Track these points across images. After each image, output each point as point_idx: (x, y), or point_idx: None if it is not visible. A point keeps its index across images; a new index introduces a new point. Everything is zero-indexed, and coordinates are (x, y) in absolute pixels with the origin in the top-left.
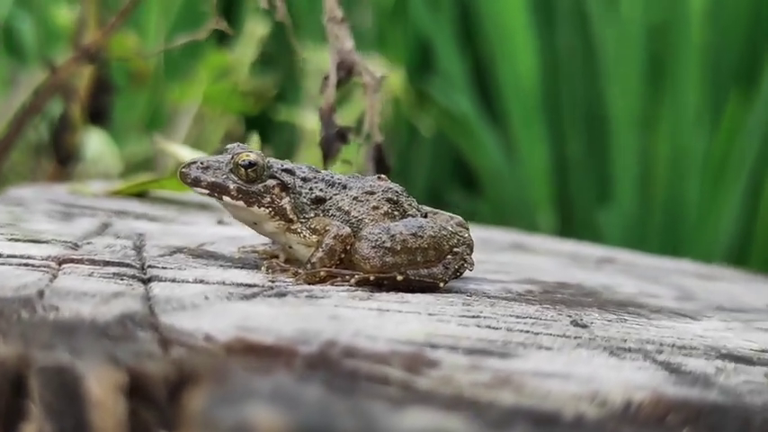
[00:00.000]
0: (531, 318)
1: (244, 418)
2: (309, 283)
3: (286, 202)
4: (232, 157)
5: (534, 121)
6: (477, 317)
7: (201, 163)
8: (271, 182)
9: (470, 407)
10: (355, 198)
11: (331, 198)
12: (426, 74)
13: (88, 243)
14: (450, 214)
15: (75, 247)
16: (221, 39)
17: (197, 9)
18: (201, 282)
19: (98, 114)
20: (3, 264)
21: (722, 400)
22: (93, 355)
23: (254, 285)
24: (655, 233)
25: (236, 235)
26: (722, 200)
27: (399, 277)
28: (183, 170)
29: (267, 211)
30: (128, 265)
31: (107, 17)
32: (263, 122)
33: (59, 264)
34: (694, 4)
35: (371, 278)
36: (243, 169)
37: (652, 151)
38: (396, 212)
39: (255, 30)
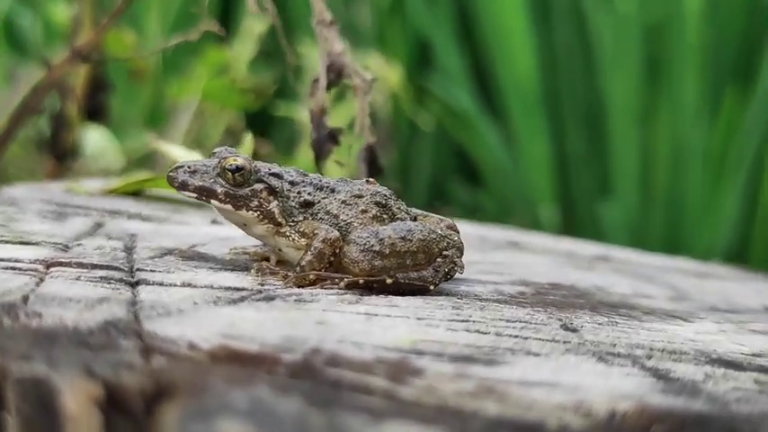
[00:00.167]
0: (520, 322)
1: None
2: (299, 286)
3: (274, 205)
4: (219, 162)
5: (534, 116)
6: (467, 321)
7: (189, 167)
8: (258, 186)
9: (453, 417)
10: (344, 202)
11: (319, 202)
12: (426, 70)
13: (78, 244)
14: (440, 217)
15: (66, 248)
16: (221, 35)
17: (197, 7)
18: (189, 285)
19: (95, 112)
20: None
21: (708, 410)
22: (70, 366)
23: (243, 289)
24: (656, 227)
25: (228, 235)
26: (722, 194)
27: (389, 280)
28: (171, 174)
29: (255, 214)
30: (116, 269)
31: (103, 17)
32: (264, 118)
33: (47, 267)
34: (690, 2)
35: (361, 281)
36: (230, 173)
37: (652, 146)
38: (385, 216)
39: (254, 27)
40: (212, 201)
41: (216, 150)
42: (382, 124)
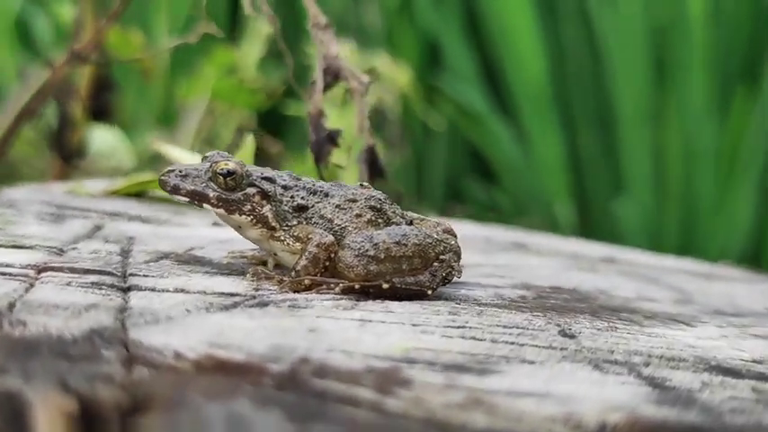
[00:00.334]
0: (517, 328)
1: None
2: (295, 291)
3: (267, 210)
4: (210, 166)
5: (545, 115)
6: (463, 327)
7: (180, 171)
8: (251, 190)
9: (441, 431)
10: (338, 206)
11: (313, 206)
12: (436, 70)
13: (74, 248)
14: (437, 220)
15: (60, 252)
16: (231, 35)
17: (209, 6)
18: (182, 291)
19: (101, 112)
20: None
21: (701, 421)
22: (45, 379)
23: (237, 294)
24: (671, 224)
25: (228, 238)
26: (735, 191)
27: (385, 285)
28: (162, 178)
29: (249, 218)
30: (108, 273)
31: (103, 18)
32: (276, 117)
33: (38, 272)
34: (694, 5)
35: (357, 287)
36: (221, 178)
37: (663, 146)
38: (379, 220)
39: (262, 27)
40: (205, 205)
41: (208, 154)
42: (393, 124)
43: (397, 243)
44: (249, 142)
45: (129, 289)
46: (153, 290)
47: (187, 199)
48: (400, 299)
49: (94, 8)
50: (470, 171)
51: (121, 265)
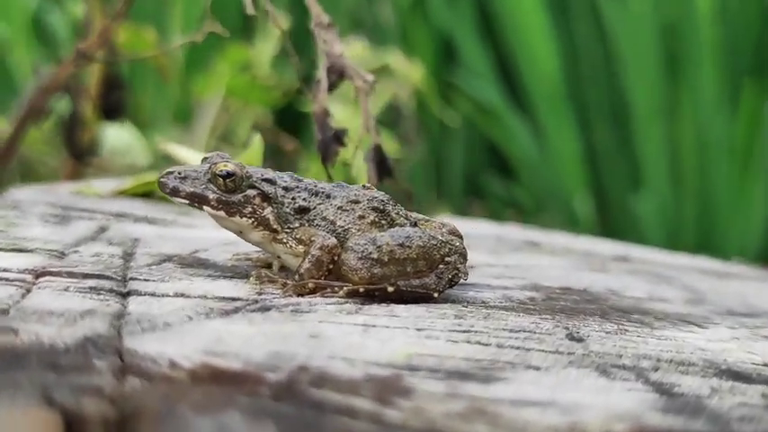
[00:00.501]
0: (524, 331)
1: None
2: (298, 295)
3: (268, 212)
4: (209, 168)
5: (560, 111)
6: (468, 331)
7: (179, 173)
8: (251, 192)
9: None
10: (340, 207)
11: (315, 208)
12: (451, 66)
13: (75, 251)
14: (442, 222)
15: (61, 255)
16: (245, 32)
17: (222, 5)
18: (182, 296)
19: (111, 110)
20: None
21: (708, 430)
22: (30, 392)
23: (238, 299)
24: (689, 218)
25: (234, 239)
26: (751, 184)
27: (390, 288)
28: (162, 180)
29: (250, 221)
30: (108, 278)
31: (111, 16)
32: (292, 114)
33: (36, 277)
34: (702, 1)
35: (361, 290)
36: (221, 179)
37: (677, 140)
38: (383, 221)
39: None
40: (204, 207)
41: (208, 155)
42: (407, 121)
43: (401, 245)
44: (257, 142)
45: (128, 294)
46: (153, 294)
47: (187, 201)
48: (406, 302)
49: (103, 7)
50: (488, 167)
51: (122, 269)
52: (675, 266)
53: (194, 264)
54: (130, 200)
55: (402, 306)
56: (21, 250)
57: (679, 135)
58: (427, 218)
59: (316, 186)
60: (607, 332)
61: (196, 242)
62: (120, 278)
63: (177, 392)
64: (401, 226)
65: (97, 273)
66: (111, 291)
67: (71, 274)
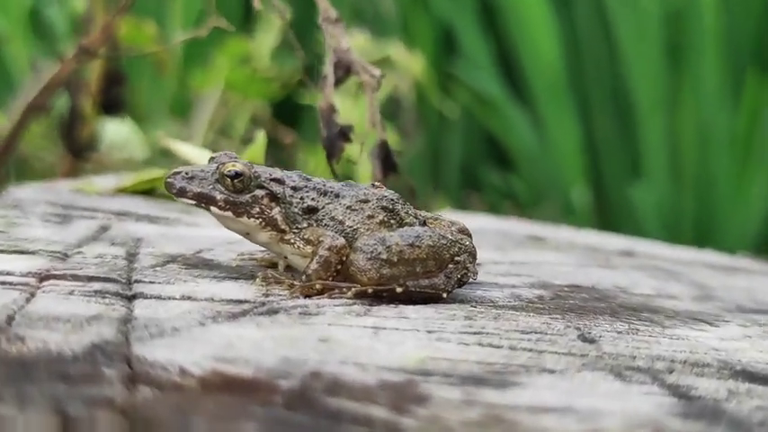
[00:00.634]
0: (536, 333)
1: None
2: (305, 296)
3: (276, 212)
4: (217, 167)
5: (560, 101)
6: (480, 333)
7: (186, 173)
8: (259, 192)
9: None
10: (349, 207)
11: (323, 207)
12: (451, 57)
13: (78, 252)
14: (451, 220)
15: (64, 257)
16: (245, 25)
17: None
18: (189, 298)
19: (111, 106)
20: None
21: None
22: (41, 405)
23: (245, 301)
24: (688, 209)
25: (238, 238)
26: (752, 174)
27: (399, 289)
28: (168, 180)
29: (258, 221)
30: (113, 280)
31: (113, 12)
32: (290, 107)
33: (40, 280)
34: None
35: (370, 291)
36: (229, 180)
37: (678, 130)
38: (392, 221)
39: (276, 16)
40: (212, 208)
41: (215, 155)
42: (407, 113)
43: (411, 245)
44: (260, 138)
45: (133, 297)
46: (159, 298)
47: (194, 202)
48: (415, 302)
49: (105, 1)
50: (486, 159)
51: (127, 271)
52: (681, 261)
53: (199, 264)
54: (131, 198)
55: (411, 307)
56: (23, 252)
57: (680, 126)
58: (436, 216)
59: (324, 186)
60: (619, 332)
61: (200, 242)
62: (124, 281)
63: (190, 403)
64: (410, 225)
65: (102, 275)
66: (116, 294)
67: (75, 277)
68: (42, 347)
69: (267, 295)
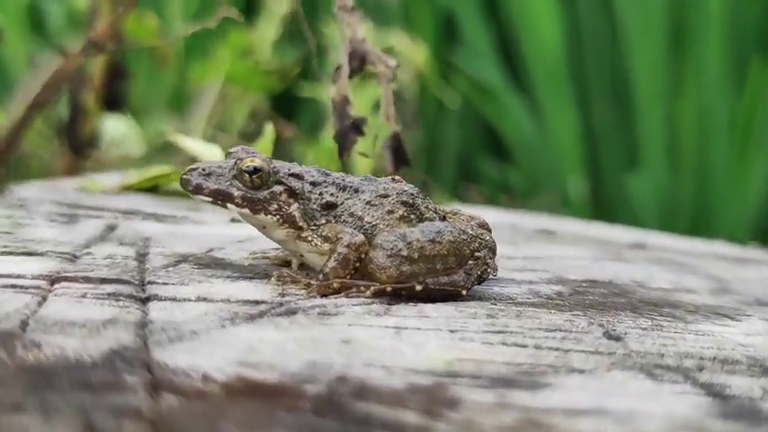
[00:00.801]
0: (560, 330)
1: None
2: (322, 296)
3: (295, 208)
4: (235, 163)
5: (560, 89)
6: (503, 332)
7: (203, 169)
8: (277, 188)
9: None
10: (368, 202)
11: (342, 203)
12: (452, 45)
13: (88, 253)
14: (471, 215)
15: (73, 258)
16: (246, 16)
17: None
18: (204, 300)
19: (114, 101)
20: None
21: None
22: (67, 416)
23: (262, 302)
24: (685, 197)
25: (248, 236)
26: (751, 162)
27: (418, 287)
28: (184, 177)
29: (275, 218)
30: (126, 282)
31: (119, 5)
32: (288, 100)
33: (51, 283)
34: None
35: (388, 289)
36: (247, 175)
37: (678, 117)
38: (412, 216)
39: (278, 6)
40: (229, 205)
41: (232, 150)
42: (408, 104)
43: (432, 241)
44: (269, 132)
45: (147, 299)
46: (174, 299)
47: (210, 199)
48: (434, 300)
49: None
50: (483, 150)
51: (138, 272)
52: (693, 253)
53: (211, 264)
54: (136, 195)
55: (430, 305)
56: (31, 254)
57: (680, 113)
58: (455, 210)
59: (344, 180)
60: (643, 329)
61: (209, 240)
62: (137, 282)
63: (216, 410)
64: (430, 220)
65: (114, 277)
66: (130, 296)
67: (87, 279)
68: (60, 354)
69: (283, 295)
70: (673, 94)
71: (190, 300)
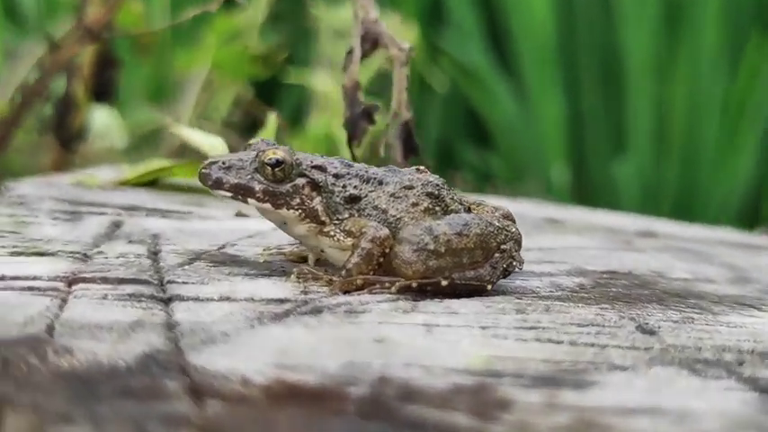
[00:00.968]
0: (592, 325)
1: None
2: (345, 292)
3: (317, 202)
4: (257, 155)
5: (549, 72)
6: (535, 328)
7: (223, 163)
8: (300, 181)
9: None
10: (393, 194)
11: (366, 196)
12: (439, 27)
13: (99, 252)
14: (495, 205)
15: (85, 258)
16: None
17: None
18: (228, 299)
19: (103, 92)
20: (5, 289)
21: None
22: (119, 427)
23: (286, 300)
24: (670, 183)
25: (257, 230)
26: (739, 146)
27: (444, 282)
28: (204, 171)
29: (297, 213)
30: (144, 282)
31: None
32: (271, 86)
33: (69, 284)
34: None
35: (414, 285)
36: (269, 168)
37: (669, 99)
38: (437, 208)
39: None
40: (249, 200)
41: (252, 142)
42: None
43: (459, 234)
44: (272, 121)
45: (169, 300)
46: (197, 299)
47: (230, 194)
48: (459, 295)
49: None
50: (465, 136)
51: (155, 271)
52: (702, 240)
53: (227, 261)
54: (135, 190)
55: (457, 301)
56: (42, 254)
57: (671, 94)
58: (479, 200)
59: (367, 172)
60: (675, 321)
61: (219, 235)
62: (156, 282)
63: (261, 416)
64: (456, 212)
65: (132, 277)
66: (151, 297)
67: (105, 280)
68: (93, 359)
69: (306, 293)
70: (664, 77)
71: (213, 299)
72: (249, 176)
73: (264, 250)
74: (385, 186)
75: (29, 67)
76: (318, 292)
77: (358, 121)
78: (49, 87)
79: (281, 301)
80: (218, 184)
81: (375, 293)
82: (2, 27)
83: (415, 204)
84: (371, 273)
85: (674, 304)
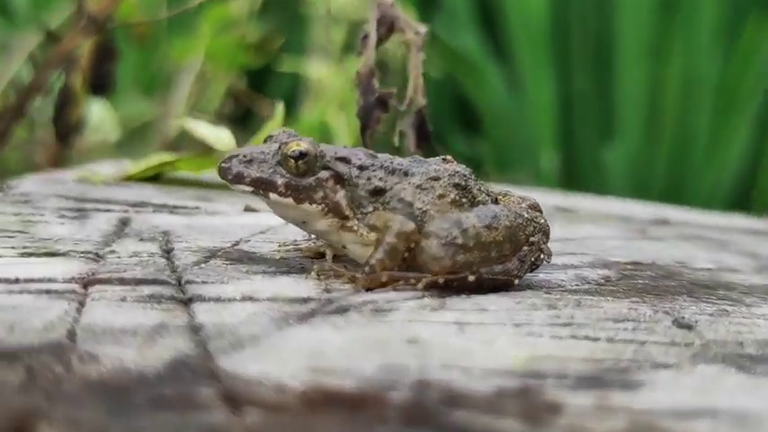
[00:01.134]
0: (627, 320)
1: None
2: (368, 289)
3: (341, 196)
4: (279, 147)
5: (541, 56)
6: (570, 324)
7: (244, 156)
8: (324, 174)
9: None
10: (418, 186)
11: (391, 188)
12: (433, 13)
13: (111, 251)
14: (521, 195)
15: (98, 258)
16: None
17: None
18: (250, 299)
19: (101, 84)
20: (20, 292)
21: None
22: None
23: (309, 299)
24: (660, 168)
25: (267, 225)
26: (733, 129)
27: (471, 278)
28: (224, 165)
29: (320, 207)
30: (163, 282)
31: None
32: (263, 75)
33: (85, 286)
34: None
35: (441, 281)
36: (293, 161)
37: (661, 82)
38: (464, 200)
39: None
40: (271, 194)
41: (274, 134)
42: (395, 75)
43: (488, 227)
44: (279, 111)
45: (190, 300)
46: (218, 300)
47: (251, 188)
48: (485, 291)
49: None
50: (453, 123)
51: (172, 270)
52: (717, 227)
53: (243, 258)
54: (140, 185)
55: (485, 297)
56: (53, 254)
57: (664, 77)
58: (505, 190)
59: (392, 163)
60: (710, 315)
61: (230, 232)
62: (174, 282)
63: (302, 423)
64: (483, 203)
65: (149, 277)
66: (171, 298)
67: (122, 281)
68: (120, 366)
69: (329, 291)
70: (658, 59)
71: (235, 300)
72: (271, 170)
73: (280, 246)
74: (411, 177)
75: (21, 61)
76: (341, 289)
77: (372, 109)
78: (49, 81)
79: (305, 300)
80: (238, 179)
81: (399, 290)
82: None
83: (441, 196)
84: (395, 269)
85: (705, 297)
